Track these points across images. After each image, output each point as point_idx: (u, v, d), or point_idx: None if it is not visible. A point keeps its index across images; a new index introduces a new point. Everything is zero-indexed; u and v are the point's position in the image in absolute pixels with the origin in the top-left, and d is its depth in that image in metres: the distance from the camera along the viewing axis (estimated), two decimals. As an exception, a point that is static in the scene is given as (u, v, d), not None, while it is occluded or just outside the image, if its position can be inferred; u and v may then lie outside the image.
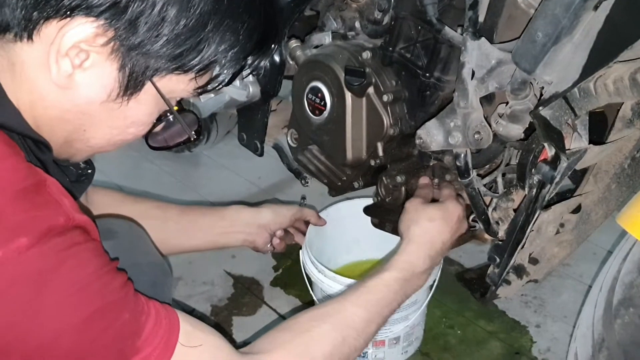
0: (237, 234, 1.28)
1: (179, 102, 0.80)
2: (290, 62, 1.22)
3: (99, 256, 0.70)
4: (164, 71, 0.71)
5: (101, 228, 0.92)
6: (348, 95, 1.08)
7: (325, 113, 1.13)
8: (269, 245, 1.32)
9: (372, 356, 1.28)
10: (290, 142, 1.29)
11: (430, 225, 1.04)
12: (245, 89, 1.29)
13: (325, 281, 1.22)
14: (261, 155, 1.41)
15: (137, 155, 2.13)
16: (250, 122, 1.38)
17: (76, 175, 0.84)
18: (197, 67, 0.72)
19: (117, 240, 0.96)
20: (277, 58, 1.23)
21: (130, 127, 0.75)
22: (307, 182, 1.37)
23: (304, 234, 1.35)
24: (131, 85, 0.70)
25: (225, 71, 0.75)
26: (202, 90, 0.77)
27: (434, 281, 1.24)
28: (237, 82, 1.33)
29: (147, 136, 0.82)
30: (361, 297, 0.95)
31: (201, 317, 1.49)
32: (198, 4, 0.68)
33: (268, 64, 1.22)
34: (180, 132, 0.85)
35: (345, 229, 1.42)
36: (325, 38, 1.17)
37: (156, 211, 1.21)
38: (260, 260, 1.65)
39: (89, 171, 0.87)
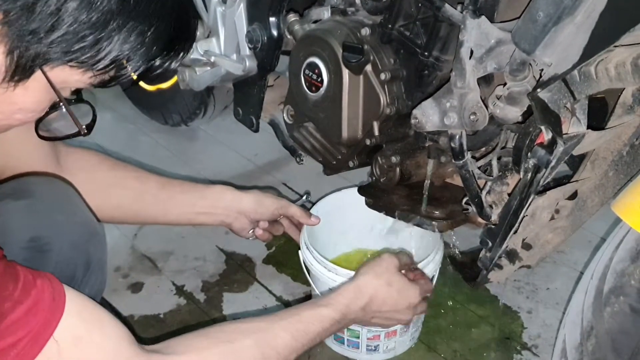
0: (215, 215, 1.24)
1: (77, 91, 0.75)
2: (288, 36, 1.21)
3: None
4: (57, 62, 0.66)
5: (17, 188, 0.91)
6: (345, 73, 1.07)
7: (322, 90, 1.12)
8: (250, 232, 1.29)
9: (384, 347, 1.27)
10: (286, 118, 1.28)
11: (384, 288, 1.05)
12: (241, 62, 1.28)
13: (329, 275, 1.18)
14: (256, 130, 1.40)
15: (133, 128, 2.11)
16: (246, 97, 1.37)
17: None
18: (94, 65, 0.68)
19: (32, 199, 0.93)
20: (274, 32, 1.21)
21: (17, 113, 0.71)
22: (302, 160, 1.36)
23: (297, 227, 1.32)
24: (19, 71, 0.65)
25: (127, 71, 0.71)
26: (102, 84, 0.72)
27: (435, 275, 1.23)
28: (233, 56, 1.32)
29: (37, 124, 0.77)
30: (292, 325, 0.94)
31: (191, 293, 1.49)
32: (102, 2, 0.64)
33: (265, 38, 1.21)
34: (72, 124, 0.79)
35: (335, 221, 1.38)
36: (324, 13, 1.15)
37: (133, 182, 1.17)
38: (254, 237, 1.65)
39: None
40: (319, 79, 1.11)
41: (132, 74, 0.71)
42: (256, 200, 1.26)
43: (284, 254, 1.58)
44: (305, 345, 0.95)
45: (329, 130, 1.15)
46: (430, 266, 1.19)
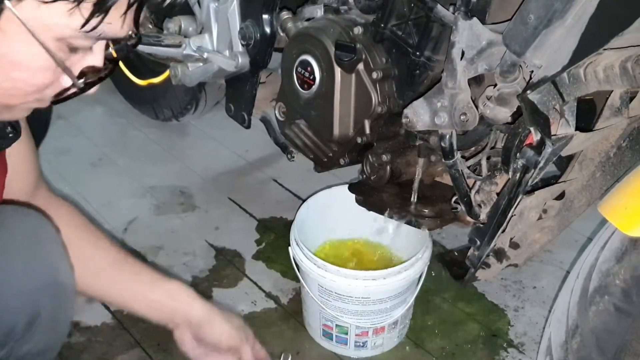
0: (159, 313, 1.01)
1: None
2: (281, 34, 1.21)
3: None
4: None
5: None
6: (337, 71, 1.07)
7: (314, 87, 1.12)
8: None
9: (372, 344, 1.28)
10: (278, 115, 1.28)
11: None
12: (234, 59, 1.28)
13: (318, 272, 1.18)
14: (248, 127, 1.40)
15: (124, 122, 2.11)
16: (238, 93, 1.37)
17: None
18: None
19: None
20: (267, 29, 1.21)
21: (12, 70, 0.62)
22: (294, 157, 1.37)
23: None
24: None
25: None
26: (95, 31, 0.61)
27: (422, 272, 1.24)
28: (226, 52, 1.32)
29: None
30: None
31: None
32: None
33: (258, 35, 1.21)
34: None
35: (325, 218, 1.38)
36: (317, 11, 1.16)
37: (87, 248, 0.99)
38: (243, 233, 1.65)
39: (10, 135, 0.76)
40: (311, 77, 1.11)
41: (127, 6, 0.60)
42: (208, 315, 1.00)
43: (274, 250, 1.59)
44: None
45: (320, 127, 1.16)
46: (418, 264, 1.20)
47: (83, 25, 0.60)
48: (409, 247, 1.30)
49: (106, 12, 0.60)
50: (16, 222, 0.84)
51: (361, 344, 1.28)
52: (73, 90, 0.68)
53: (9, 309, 0.81)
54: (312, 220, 1.34)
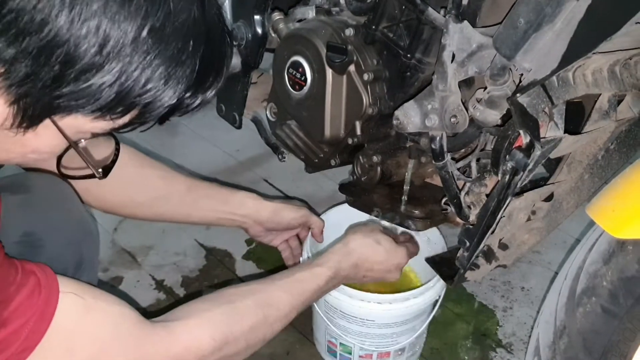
0: (234, 221, 1.23)
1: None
2: (273, 34, 1.21)
3: None
4: (68, 111, 0.61)
5: (15, 182, 0.90)
6: (329, 72, 1.07)
7: (305, 88, 1.12)
8: (269, 239, 1.30)
9: None
10: (269, 116, 1.28)
11: (373, 246, 1.10)
12: (225, 59, 1.28)
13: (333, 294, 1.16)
14: (239, 127, 1.40)
15: (115, 121, 2.10)
16: (229, 93, 1.37)
17: None
18: (111, 112, 0.62)
19: (29, 194, 0.92)
20: (259, 30, 1.21)
21: (31, 154, 0.67)
22: (285, 157, 1.37)
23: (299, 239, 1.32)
24: (26, 120, 0.60)
25: (151, 114, 0.65)
26: (125, 129, 0.67)
27: (439, 297, 1.21)
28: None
29: (59, 159, 0.74)
30: (289, 284, 0.97)
31: (171, 287, 1.49)
32: (115, 41, 0.57)
33: (250, 35, 1.21)
34: (97, 163, 0.74)
35: (340, 234, 1.33)
36: (308, 12, 1.16)
37: (159, 182, 1.14)
38: (234, 233, 1.64)
39: None
40: (302, 78, 1.12)
41: (155, 115, 0.65)
42: (274, 212, 1.23)
43: (265, 251, 1.59)
44: (304, 303, 0.99)
45: (311, 128, 1.16)
46: (429, 293, 1.17)
47: (115, 129, 0.66)
48: (432, 271, 1.20)
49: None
50: (45, 184, 0.95)
51: None
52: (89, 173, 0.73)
53: (61, 257, 0.90)
54: (326, 235, 1.31)
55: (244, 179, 1.86)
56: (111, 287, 1.48)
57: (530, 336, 0.92)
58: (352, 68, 1.07)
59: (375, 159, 1.11)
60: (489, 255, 1.05)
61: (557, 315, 0.82)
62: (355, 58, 1.06)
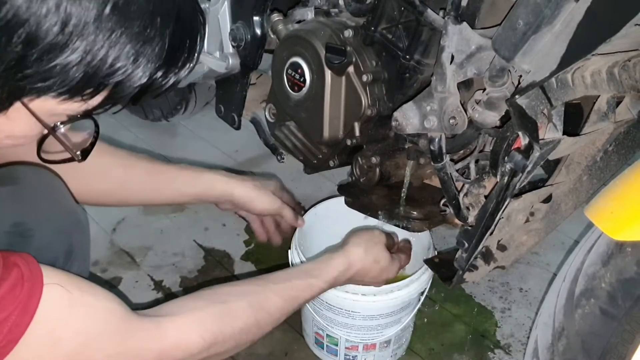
0: (202, 202, 1.22)
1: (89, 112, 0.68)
2: (272, 35, 1.21)
3: None
4: (37, 94, 0.60)
5: (3, 174, 0.90)
6: (328, 73, 1.07)
7: (304, 90, 1.12)
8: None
9: (362, 359, 1.27)
10: (268, 117, 1.28)
11: (371, 264, 1.10)
12: (224, 60, 1.28)
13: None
14: (238, 128, 1.40)
15: (113, 122, 2.10)
16: (228, 94, 1.37)
17: None
18: (81, 93, 0.61)
19: (18, 186, 0.91)
20: (258, 31, 1.21)
21: (6, 140, 0.66)
22: (283, 158, 1.37)
23: (281, 228, 1.30)
24: None
25: (123, 93, 0.64)
26: (97, 111, 0.66)
27: (425, 289, 1.23)
28: (216, 53, 1.32)
29: (40, 145, 0.73)
30: (284, 290, 0.97)
31: (169, 288, 1.49)
32: (77, 18, 0.56)
33: (249, 37, 1.21)
34: (75, 146, 0.73)
35: (328, 227, 1.36)
36: (307, 13, 1.16)
37: (118, 170, 1.11)
38: (232, 233, 1.65)
39: None
40: (301, 79, 1.12)
41: (127, 95, 0.64)
42: (247, 200, 1.19)
43: (263, 251, 1.59)
44: (295, 309, 1.00)
45: (310, 129, 1.16)
46: (413, 285, 1.18)
47: (89, 111, 0.65)
48: (417, 264, 1.24)
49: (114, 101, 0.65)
50: (34, 175, 0.95)
51: (351, 358, 1.27)
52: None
53: (50, 246, 0.90)
54: (314, 228, 1.32)
55: (242, 180, 1.86)
56: (110, 287, 1.48)
57: (528, 337, 0.92)
58: (351, 69, 1.07)
59: (374, 160, 1.11)
60: (487, 256, 1.05)
61: (556, 317, 0.82)
62: (354, 59, 1.06)
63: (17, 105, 0.61)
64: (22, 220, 0.89)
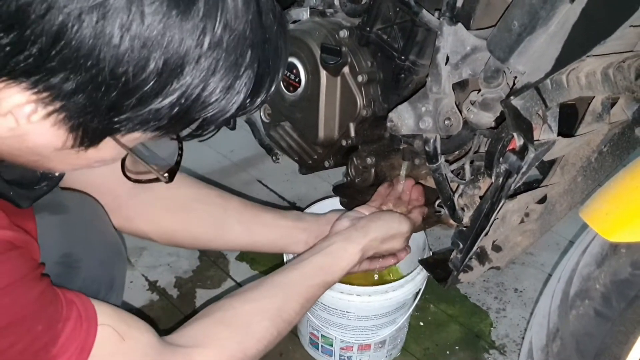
0: (298, 237, 1.13)
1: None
2: (267, 36, 1.21)
3: (15, 269, 0.64)
4: (127, 131, 0.60)
5: (53, 201, 0.88)
6: (323, 74, 1.07)
7: (300, 90, 1.12)
8: None
9: (356, 359, 1.27)
10: (263, 117, 1.28)
11: (385, 244, 1.07)
12: (219, 60, 1.28)
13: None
14: (233, 128, 1.39)
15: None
16: (223, 94, 1.36)
17: (28, 179, 0.73)
18: (169, 130, 0.62)
19: (67, 215, 0.91)
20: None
21: (95, 164, 0.67)
22: (279, 159, 1.37)
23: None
24: (86, 142, 0.60)
25: (211, 125, 0.63)
26: (185, 140, 0.67)
27: (420, 290, 1.22)
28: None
29: (124, 162, 0.74)
30: (301, 295, 0.96)
31: (164, 288, 1.49)
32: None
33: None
34: (160, 168, 0.72)
35: None
36: (303, 14, 1.16)
37: (217, 199, 1.09)
38: (228, 234, 1.64)
39: (55, 174, 0.76)
40: (296, 79, 1.12)
41: (216, 126, 0.63)
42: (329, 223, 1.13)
43: (258, 252, 1.59)
44: (310, 308, 1.00)
45: (305, 130, 1.16)
46: (408, 286, 1.17)
47: (179, 139, 0.67)
48: (412, 265, 1.23)
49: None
50: (81, 203, 0.95)
51: (346, 358, 1.27)
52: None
53: (96, 277, 0.90)
54: None
55: (237, 180, 1.86)
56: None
57: (523, 338, 0.92)
58: (346, 70, 1.07)
59: (369, 160, 1.11)
60: (482, 257, 1.05)
61: (550, 318, 0.82)
62: (349, 60, 1.06)
63: (107, 138, 0.61)
64: (71, 251, 0.89)
